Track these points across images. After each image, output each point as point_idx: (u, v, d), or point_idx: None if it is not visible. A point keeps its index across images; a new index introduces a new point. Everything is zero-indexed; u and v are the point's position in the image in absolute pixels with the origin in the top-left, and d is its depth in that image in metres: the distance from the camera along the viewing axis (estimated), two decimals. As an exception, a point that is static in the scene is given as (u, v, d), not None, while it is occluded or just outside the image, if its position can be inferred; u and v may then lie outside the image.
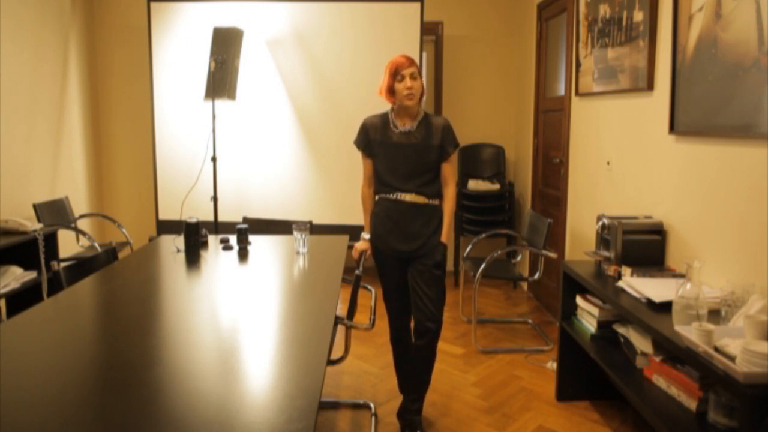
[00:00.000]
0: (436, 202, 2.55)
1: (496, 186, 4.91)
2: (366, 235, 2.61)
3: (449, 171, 2.56)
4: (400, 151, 2.49)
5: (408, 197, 2.50)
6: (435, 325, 2.50)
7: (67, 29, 4.69)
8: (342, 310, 2.36)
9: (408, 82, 2.42)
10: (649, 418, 2.07)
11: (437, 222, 2.55)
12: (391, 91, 2.47)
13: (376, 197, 2.61)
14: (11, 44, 3.94)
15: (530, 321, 4.08)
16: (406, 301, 2.63)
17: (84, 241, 4.52)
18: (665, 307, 2.10)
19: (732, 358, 1.63)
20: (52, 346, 1.61)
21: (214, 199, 4.30)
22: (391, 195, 2.53)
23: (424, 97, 2.57)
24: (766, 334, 1.67)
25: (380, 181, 2.56)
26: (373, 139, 2.55)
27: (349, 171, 4.63)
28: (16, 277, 3.57)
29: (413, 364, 2.59)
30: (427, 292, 2.50)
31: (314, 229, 2.89)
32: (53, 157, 4.50)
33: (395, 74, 2.43)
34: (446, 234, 2.55)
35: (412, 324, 2.58)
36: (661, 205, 2.73)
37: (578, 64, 3.67)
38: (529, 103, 4.75)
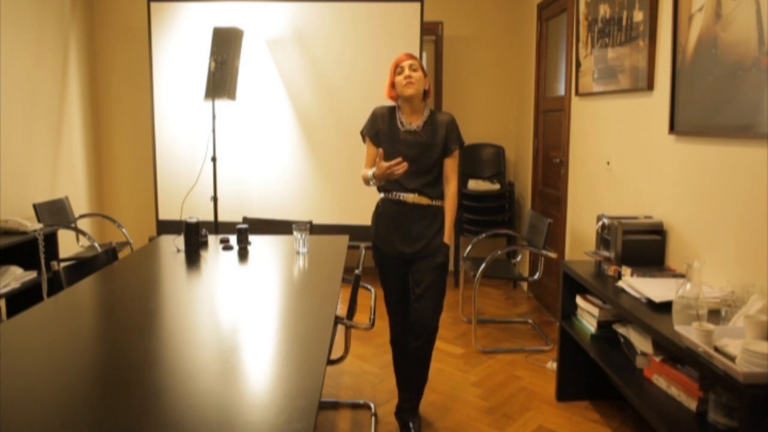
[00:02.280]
0: (439, 203, 2.54)
1: (496, 186, 4.91)
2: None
3: (451, 167, 2.54)
4: (405, 149, 2.48)
5: (410, 198, 2.49)
6: (431, 326, 2.50)
7: (67, 29, 4.69)
8: (342, 310, 2.36)
9: (407, 71, 2.44)
10: (649, 418, 2.07)
11: (440, 223, 2.53)
12: (392, 87, 2.50)
13: (380, 195, 2.60)
14: (11, 44, 3.94)
15: (530, 321, 4.08)
16: (408, 303, 2.63)
17: (84, 241, 4.52)
18: (665, 307, 2.10)
19: (732, 358, 1.63)
20: (52, 346, 1.61)
21: (214, 199, 4.30)
22: (393, 196, 2.52)
23: (430, 96, 2.56)
24: (766, 334, 1.67)
25: None
26: (380, 129, 2.54)
27: (349, 171, 4.63)
28: (16, 277, 3.56)
29: (410, 364, 2.59)
30: (426, 293, 2.49)
31: (314, 229, 2.89)
32: (53, 157, 4.50)
33: (395, 68, 2.48)
34: (449, 233, 2.53)
35: None
36: (661, 205, 2.73)
37: (578, 64, 3.67)
38: (529, 103, 4.75)
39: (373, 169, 2.40)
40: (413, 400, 2.64)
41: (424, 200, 2.50)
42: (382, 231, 2.57)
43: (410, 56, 2.48)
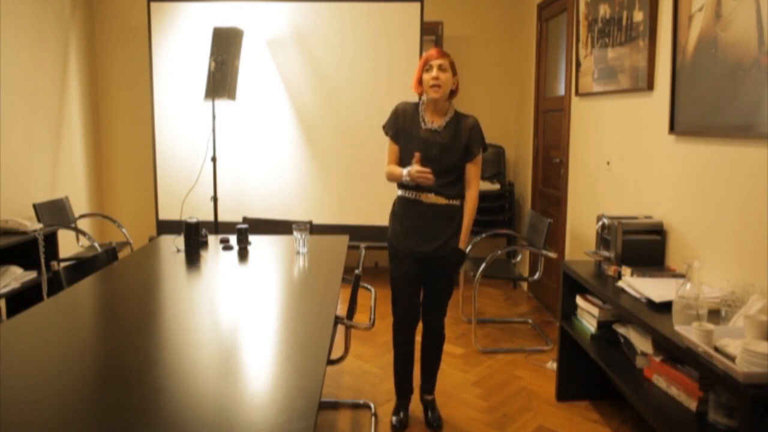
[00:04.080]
0: (456, 202, 2.52)
1: (496, 186, 4.91)
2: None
3: (474, 172, 2.52)
4: (425, 147, 2.46)
5: (427, 197, 2.48)
6: (441, 319, 2.67)
7: (67, 29, 4.69)
8: (342, 310, 2.36)
9: (434, 72, 2.39)
10: (649, 418, 2.07)
11: (457, 224, 2.53)
12: (420, 82, 2.47)
13: (397, 193, 2.59)
14: (11, 44, 3.94)
15: (530, 321, 4.08)
16: (416, 302, 2.63)
17: (84, 241, 4.52)
18: (665, 307, 2.10)
19: (732, 358, 1.63)
20: (52, 346, 1.61)
21: (214, 199, 4.30)
22: (410, 195, 2.51)
23: (457, 95, 2.52)
24: (766, 334, 1.67)
25: None
26: (401, 126, 2.52)
27: (349, 171, 4.63)
28: (16, 277, 3.56)
29: (426, 349, 2.73)
30: (438, 293, 2.62)
31: (314, 229, 2.89)
32: (53, 157, 4.50)
33: (425, 65, 2.44)
34: (465, 238, 2.53)
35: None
36: (661, 205, 2.73)
37: (578, 64, 3.67)
38: (529, 103, 4.75)
39: (408, 169, 2.42)
40: (429, 382, 2.75)
41: (441, 200, 2.49)
42: (398, 229, 2.56)
43: (441, 54, 2.42)
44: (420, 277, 2.58)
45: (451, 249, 2.51)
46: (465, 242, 2.54)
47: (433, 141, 2.46)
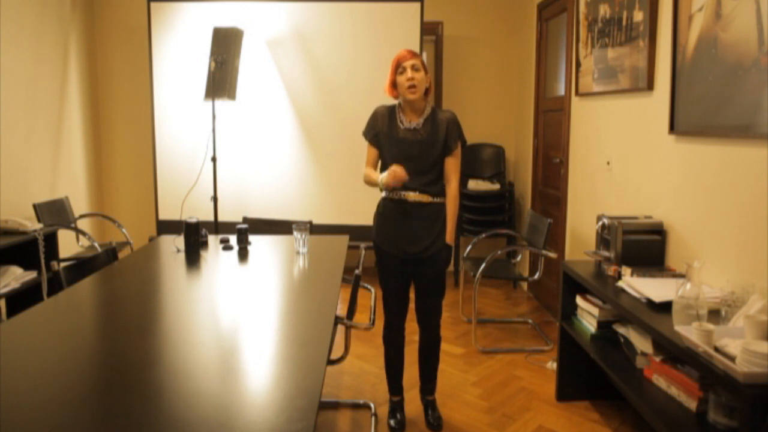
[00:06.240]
0: (440, 200, 2.53)
1: (496, 186, 4.91)
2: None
3: (452, 166, 2.51)
4: (405, 147, 2.47)
5: (412, 196, 2.48)
6: (437, 318, 2.65)
7: (67, 29, 4.69)
8: (342, 310, 2.36)
9: (409, 73, 2.40)
10: (649, 418, 2.07)
11: (443, 221, 2.53)
12: (394, 85, 2.47)
13: (381, 195, 2.59)
14: (11, 44, 3.94)
15: (530, 321, 4.08)
16: (406, 303, 2.63)
17: (84, 241, 4.52)
18: (665, 307, 2.10)
19: (732, 358, 1.63)
20: (52, 346, 1.61)
21: (214, 199, 4.30)
22: (394, 195, 2.51)
23: (431, 93, 2.54)
24: (766, 334, 1.67)
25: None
26: (380, 130, 2.53)
27: (349, 171, 4.63)
28: (16, 277, 3.56)
29: (423, 351, 2.71)
30: (432, 293, 2.60)
31: (314, 229, 2.89)
32: (53, 157, 4.50)
33: (397, 67, 2.44)
34: (451, 234, 2.53)
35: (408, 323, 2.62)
36: (661, 205, 2.73)
37: (578, 64, 3.67)
38: (529, 103, 4.75)
39: (382, 176, 2.43)
40: (433, 379, 2.74)
41: (425, 198, 2.49)
42: (383, 230, 2.57)
43: (412, 54, 2.43)
44: (409, 275, 2.59)
45: (439, 247, 2.52)
46: (452, 236, 2.54)
47: (413, 140, 2.47)
